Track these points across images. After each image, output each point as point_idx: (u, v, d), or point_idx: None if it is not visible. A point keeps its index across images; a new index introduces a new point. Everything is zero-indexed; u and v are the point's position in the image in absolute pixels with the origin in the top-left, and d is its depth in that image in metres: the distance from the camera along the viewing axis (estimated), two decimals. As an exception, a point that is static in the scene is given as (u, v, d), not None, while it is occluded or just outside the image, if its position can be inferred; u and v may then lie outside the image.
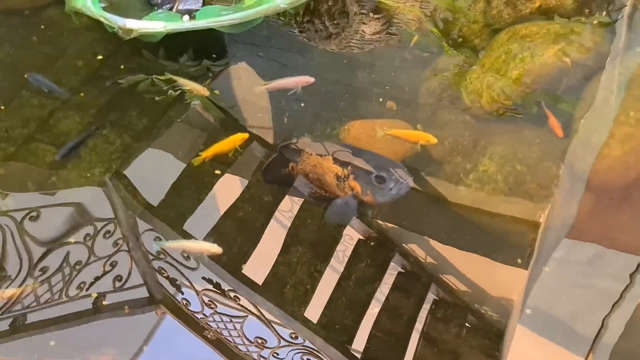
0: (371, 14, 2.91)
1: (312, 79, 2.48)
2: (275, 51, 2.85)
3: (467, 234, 2.15)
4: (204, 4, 2.78)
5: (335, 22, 2.90)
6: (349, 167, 2.17)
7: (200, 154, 2.28)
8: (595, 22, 2.48)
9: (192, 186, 2.34)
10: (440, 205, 2.20)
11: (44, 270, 2.05)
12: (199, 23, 2.63)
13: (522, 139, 2.20)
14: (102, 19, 2.63)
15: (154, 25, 2.60)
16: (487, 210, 2.14)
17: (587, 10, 2.57)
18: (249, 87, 2.71)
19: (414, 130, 2.29)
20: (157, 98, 2.55)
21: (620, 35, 2.45)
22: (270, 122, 2.57)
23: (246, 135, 2.35)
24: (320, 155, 2.24)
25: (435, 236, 2.17)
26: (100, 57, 2.75)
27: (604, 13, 2.56)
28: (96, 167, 2.32)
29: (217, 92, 2.62)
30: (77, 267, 2.06)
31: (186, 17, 2.67)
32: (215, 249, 1.99)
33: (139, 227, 2.20)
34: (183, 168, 2.37)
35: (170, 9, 2.76)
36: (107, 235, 2.16)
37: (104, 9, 2.62)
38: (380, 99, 2.51)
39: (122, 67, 2.68)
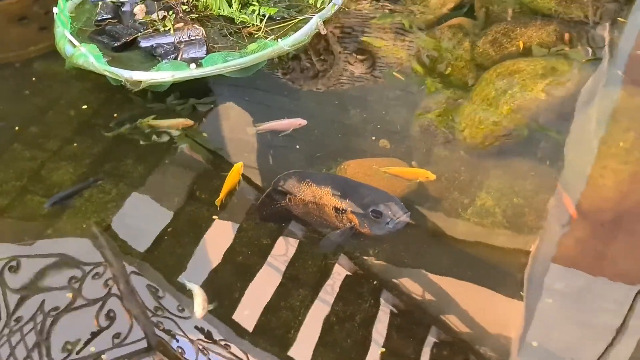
0: (355, 55, 3.00)
1: (304, 122, 2.52)
2: (260, 92, 2.89)
3: (467, 268, 2.15)
4: (207, 52, 2.83)
5: (322, 58, 2.97)
6: (347, 200, 2.18)
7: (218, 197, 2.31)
8: (575, 56, 2.59)
9: (187, 232, 2.31)
10: (440, 240, 2.20)
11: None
12: (207, 69, 2.69)
13: (517, 172, 2.24)
14: (107, 73, 2.66)
15: (162, 75, 2.65)
16: (487, 243, 2.15)
17: (568, 47, 2.68)
18: (236, 127, 2.74)
19: (413, 168, 2.31)
20: (142, 142, 2.57)
21: (601, 70, 2.55)
22: (262, 164, 2.58)
23: (241, 163, 2.38)
24: (319, 188, 2.24)
25: (436, 271, 2.17)
26: (92, 106, 2.75)
27: (581, 48, 2.67)
28: (92, 217, 2.29)
29: (205, 134, 2.64)
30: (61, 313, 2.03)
31: (193, 65, 2.71)
32: None
33: (133, 277, 2.16)
34: (177, 213, 2.35)
35: (175, 58, 2.80)
36: (96, 277, 2.12)
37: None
38: (373, 138, 2.53)
39: (115, 114, 2.69)
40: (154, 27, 2.95)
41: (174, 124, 2.65)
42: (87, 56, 2.65)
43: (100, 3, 3.13)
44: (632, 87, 2.44)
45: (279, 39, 2.82)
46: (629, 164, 2.10)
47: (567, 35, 2.75)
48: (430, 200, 2.29)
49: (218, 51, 2.81)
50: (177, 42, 2.85)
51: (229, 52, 2.77)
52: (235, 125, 2.77)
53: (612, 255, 2.02)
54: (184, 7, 3.04)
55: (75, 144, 2.58)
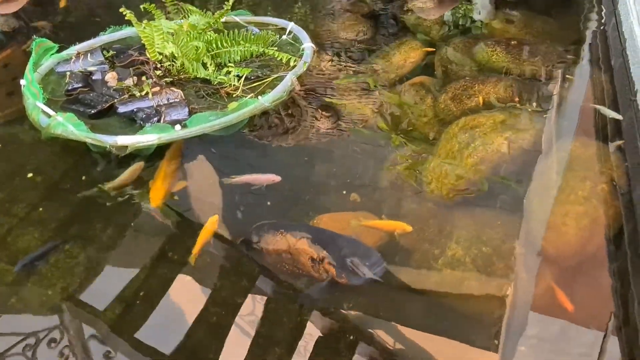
0: (321, 112, 3.08)
1: (278, 178, 2.55)
2: (230, 149, 2.92)
3: (442, 319, 2.16)
4: (189, 113, 2.86)
5: (291, 112, 3.04)
6: (324, 251, 2.18)
7: (192, 253, 2.27)
8: (530, 110, 2.74)
9: (159, 294, 2.25)
10: (414, 292, 2.21)
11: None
12: (193, 130, 2.74)
13: (484, 222, 2.31)
14: (89, 140, 2.66)
15: (148, 138, 2.66)
16: (459, 293, 2.17)
17: (522, 101, 2.83)
18: (205, 185, 2.73)
19: (388, 220, 2.35)
20: (110, 204, 2.53)
21: (553, 122, 2.70)
22: (233, 220, 2.57)
23: (216, 216, 2.38)
24: (295, 238, 2.25)
25: (411, 324, 2.16)
26: (59, 170, 2.72)
27: (535, 103, 2.83)
28: (58, 283, 2.22)
29: (176, 197, 2.63)
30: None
31: (178, 126, 2.73)
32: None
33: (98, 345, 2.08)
34: (147, 276, 2.29)
35: (158, 121, 2.82)
36: (52, 346, 2.03)
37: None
38: (344, 192, 2.56)
39: (83, 177, 2.66)
40: (129, 93, 2.99)
41: (130, 175, 2.62)
42: (65, 125, 2.65)
43: (68, 73, 3.16)
44: (585, 138, 2.59)
45: (259, 97, 2.91)
46: (588, 211, 2.20)
47: (520, 91, 2.92)
48: (402, 252, 2.31)
49: (199, 112, 2.86)
50: (157, 106, 2.89)
51: (211, 112, 2.83)
52: (204, 182, 2.77)
53: (579, 299, 2.08)
54: (158, 72, 3.10)
55: (41, 209, 2.53)
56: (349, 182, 2.62)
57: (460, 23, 4.03)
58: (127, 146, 2.65)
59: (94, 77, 3.13)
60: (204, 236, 2.31)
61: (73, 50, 3.38)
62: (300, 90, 3.15)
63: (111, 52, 3.36)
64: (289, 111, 3.05)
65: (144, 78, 3.08)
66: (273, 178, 2.56)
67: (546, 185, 2.36)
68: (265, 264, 2.28)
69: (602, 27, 3.65)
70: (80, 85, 3.06)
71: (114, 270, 2.37)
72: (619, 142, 2.49)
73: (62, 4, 4.81)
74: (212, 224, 2.35)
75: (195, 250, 2.27)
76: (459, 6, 4.24)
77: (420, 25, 3.95)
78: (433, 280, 2.22)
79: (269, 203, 2.54)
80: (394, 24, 4.07)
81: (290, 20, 3.70)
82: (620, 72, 2.96)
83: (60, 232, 2.44)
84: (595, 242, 2.15)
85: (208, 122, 2.75)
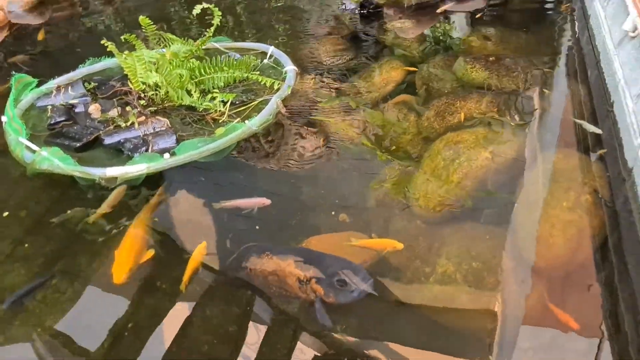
0: (306, 128, 3.10)
1: (268, 201, 2.57)
2: (216, 173, 2.91)
3: (436, 336, 2.16)
4: (177, 140, 2.87)
5: (270, 139, 3.05)
6: (311, 271, 2.19)
7: (182, 281, 2.26)
8: (512, 124, 2.78)
9: (149, 325, 2.22)
10: (407, 310, 2.21)
11: None
12: (181, 158, 2.74)
13: (473, 237, 2.32)
14: (77, 174, 2.65)
15: (137, 168, 2.66)
16: (452, 309, 2.18)
17: (504, 115, 2.88)
18: (192, 211, 2.72)
19: (380, 239, 2.35)
20: (97, 237, 2.51)
21: (536, 135, 2.75)
22: (222, 246, 2.55)
23: (204, 243, 2.38)
24: (281, 259, 2.25)
25: (406, 342, 2.16)
26: (44, 204, 2.69)
27: (516, 117, 2.88)
28: (47, 319, 2.18)
29: (156, 219, 2.62)
30: None
31: (167, 154, 2.73)
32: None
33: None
34: (136, 307, 2.27)
35: (146, 151, 2.81)
36: None
37: (71, 165, 2.64)
38: (333, 213, 2.57)
39: (68, 211, 2.62)
40: (115, 124, 2.99)
41: (114, 199, 2.61)
42: (51, 160, 2.64)
43: (49, 107, 3.15)
44: (566, 150, 2.63)
45: (246, 121, 2.93)
46: (574, 221, 2.22)
47: (501, 106, 2.97)
48: (393, 271, 2.31)
49: (187, 139, 2.87)
50: (144, 135, 2.89)
51: (199, 139, 2.84)
52: (191, 209, 2.76)
53: (570, 309, 2.09)
54: (142, 102, 3.11)
55: (26, 245, 2.50)
56: (337, 203, 2.63)
57: (440, 39, 4.11)
58: (116, 177, 2.64)
59: (76, 110, 3.13)
60: (193, 264, 2.31)
61: (53, 84, 3.38)
62: (285, 113, 3.17)
63: (92, 84, 3.36)
64: (269, 138, 3.06)
65: (128, 108, 3.09)
66: (263, 201, 2.57)
67: (532, 197, 2.39)
68: (254, 287, 2.28)
69: (576, 41, 3.74)
70: (62, 118, 3.04)
71: (102, 304, 2.33)
72: (601, 151, 2.54)
73: (40, 36, 4.82)
74: (200, 250, 2.35)
75: (185, 277, 2.26)
76: (437, 25, 4.33)
77: (400, 45, 4.02)
78: (425, 297, 2.22)
79: (257, 227, 2.54)
80: (375, 44, 4.14)
81: (272, 44, 3.75)
82: (596, 84, 3.03)
83: (46, 267, 2.41)
84: (583, 252, 2.17)
85: (197, 149, 2.75)
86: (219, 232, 2.56)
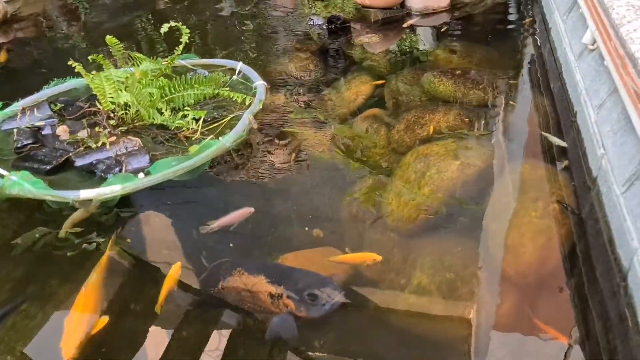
0: (277, 141, 3.10)
1: (252, 209, 2.57)
2: (188, 189, 2.87)
3: (413, 347, 2.18)
4: (150, 160, 2.82)
5: (240, 152, 3.04)
6: (282, 286, 2.20)
7: (158, 302, 2.22)
8: (480, 136, 2.85)
9: (123, 348, 2.17)
10: (384, 323, 2.22)
11: None
12: (157, 177, 2.69)
13: (446, 249, 2.35)
14: (49, 198, 2.58)
15: (112, 189, 2.60)
16: (428, 320, 2.20)
17: (472, 128, 2.95)
18: (164, 230, 2.69)
19: (358, 253, 2.35)
20: (68, 255, 2.46)
21: (503, 146, 2.82)
22: (197, 266, 2.52)
23: (179, 264, 2.35)
24: (252, 275, 2.25)
25: (384, 355, 2.17)
26: (10, 228, 2.62)
27: (484, 129, 2.95)
28: (16, 346, 2.11)
29: (128, 239, 2.58)
30: None
31: (141, 174, 2.69)
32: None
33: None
34: (110, 330, 2.19)
35: (120, 171, 2.76)
36: None
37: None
38: (306, 228, 2.57)
39: (37, 235, 2.55)
40: (85, 145, 2.93)
41: (78, 216, 2.58)
42: (21, 184, 2.56)
43: (15, 130, 3.06)
44: (533, 160, 2.71)
45: (220, 137, 2.92)
46: (543, 230, 2.28)
47: (469, 118, 3.04)
48: (369, 284, 2.32)
49: (160, 158, 2.83)
50: (117, 156, 2.84)
51: (174, 157, 2.81)
52: (163, 229, 2.72)
53: (542, 316, 2.14)
54: (112, 122, 3.06)
55: (-6, 270, 2.43)
56: (310, 218, 2.64)
57: (407, 53, 4.19)
58: (91, 200, 2.58)
59: (43, 132, 3.06)
60: (168, 284, 2.27)
61: (17, 106, 3.29)
62: (257, 127, 3.17)
63: (59, 105, 3.29)
64: (239, 152, 3.05)
65: (97, 129, 3.04)
66: (248, 211, 2.58)
67: (501, 207, 2.44)
68: (227, 304, 2.27)
69: (538, 54, 3.86)
70: (30, 141, 2.96)
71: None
72: (565, 163, 2.62)
73: (2, 58, 4.72)
74: (175, 271, 2.32)
75: (161, 298, 2.22)
76: (404, 38, 4.42)
77: (368, 59, 4.08)
78: (401, 309, 2.24)
79: (231, 245, 2.52)
80: (343, 59, 4.19)
81: (242, 61, 3.76)
82: (559, 95, 3.12)
83: (15, 292, 2.34)
84: (552, 260, 2.22)
85: (171, 168, 2.72)
86: (193, 252, 2.53)
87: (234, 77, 3.56)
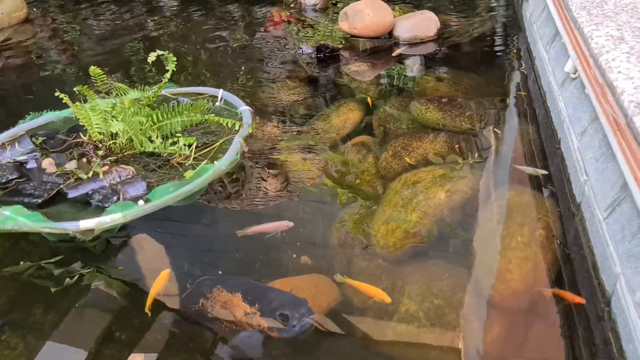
0: (267, 174, 3.12)
1: (291, 224, 2.63)
2: (176, 220, 2.87)
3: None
4: (147, 187, 2.83)
5: (235, 177, 3.05)
6: (256, 305, 2.22)
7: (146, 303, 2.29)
8: (467, 163, 2.88)
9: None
10: (372, 350, 2.21)
11: None
12: (157, 203, 2.69)
13: (434, 275, 2.36)
14: (47, 230, 2.55)
15: (113, 217, 2.59)
16: (416, 348, 2.19)
17: (458, 155, 2.98)
18: (152, 257, 2.67)
19: (372, 286, 2.32)
20: (51, 287, 2.43)
21: (489, 173, 2.85)
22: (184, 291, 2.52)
23: (168, 270, 2.42)
24: (230, 293, 2.29)
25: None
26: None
27: (470, 156, 2.98)
28: (-3, 378, 2.08)
29: (120, 267, 2.56)
30: None
31: (141, 201, 2.69)
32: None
33: None
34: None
35: (117, 200, 2.75)
36: None
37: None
38: (294, 255, 2.57)
39: (21, 262, 2.53)
40: (75, 176, 2.92)
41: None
42: (14, 218, 2.52)
43: None
44: (519, 186, 2.74)
45: (215, 161, 2.94)
46: (529, 256, 2.29)
47: (456, 145, 3.08)
48: (357, 311, 2.31)
49: (155, 185, 2.84)
50: (111, 185, 2.83)
51: (171, 183, 2.81)
52: (151, 254, 2.70)
53: (530, 342, 2.13)
54: (100, 152, 3.06)
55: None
56: (299, 245, 2.63)
57: (395, 81, 4.26)
58: (92, 229, 2.56)
59: (28, 166, 3.03)
60: (156, 288, 2.35)
61: (-4, 141, 3.25)
62: (246, 154, 3.19)
63: (40, 139, 3.26)
64: (234, 176, 3.07)
65: (84, 160, 3.03)
66: (287, 224, 2.63)
67: (488, 234, 2.46)
68: (208, 320, 2.28)
69: (523, 82, 3.94)
70: (15, 176, 2.93)
71: (57, 358, 2.23)
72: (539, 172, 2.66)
73: None
74: (163, 277, 2.40)
75: (149, 301, 2.30)
76: (392, 67, 4.49)
77: (357, 87, 4.14)
78: (390, 337, 2.23)
79: (220, 272, 2.51)
80: (332, 87, 4.25)
81: (232, 88, 3.80)
82: (544, 123, 3.18)
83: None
84: (539, 286, 2.23)
85: (171, 193, 2.72)
86: (182, 281, 2.50)
87: (217, 103, 3.60)
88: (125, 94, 3.33)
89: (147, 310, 2.28)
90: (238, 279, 2.42)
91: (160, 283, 2.39)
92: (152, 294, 2.35)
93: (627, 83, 2.05)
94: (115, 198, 2.76)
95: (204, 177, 2.82)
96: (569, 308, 2.13)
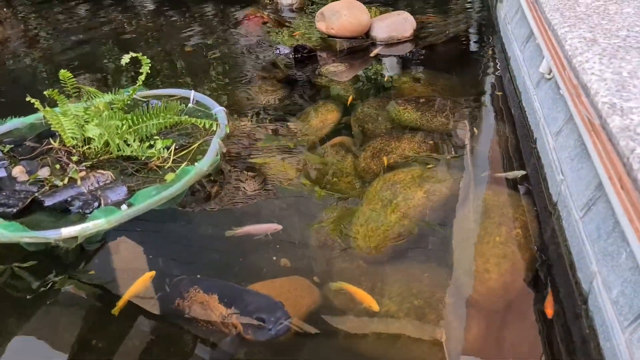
0: (246, 172, 3.09)
1: (280, 227, 2.62)
2: (153, 222, 2.83)
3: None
4: (128, 191, 2.78)
5: (212, 178, 3.02)
6: (232, 307, 2.22)
7: (116, 304, 2.28)
8: (445, 162, 2.90)
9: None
10: (353, 352, 2.20)
11: None
12: (141, 206, 2.64)
13: (413, 276, 2.37)
14: (27, 240, 2.47)
15: (96, 223, 2.53)
16: (396, 349, 2.19)
17: (436, 154, 3.00)
18: (128, 261, 2.63)
19: (364, 292, 2.30)
20: (20, 296, 2.38)
21: (467, 173, 2.87)
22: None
23: (153, 272, 2.41)
24: (207, 294, 2.28)
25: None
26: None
27: (448, 155, 3.00)
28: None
29: (92, 272, 2.52)
30: None
31: (124, 206, 2.63)
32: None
33: None
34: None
35: (98, 206, 2.69)
36: None
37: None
38: (274, 257, 2.55)
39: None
40: (50, 184, 2.84)
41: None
42: None
43: None
44: (496, 186, 2.77)
45: (195, 163, 2.91)
46: (507, 256, 2.32)
47: (434, 145, 3.10)
48: (338, 313, 2.31)
49: (136, 190, 2.79)
50: (91, 191, 2.77)
51: (154, 187, 2.77)
52: (127, 258, 2.66)
53: (509, 340, 2.16)
54: (74, 158, 2.99)
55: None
56: (278, 248, 2.62)
57: (372, 81, 4.26)
58: (76, 237, 2.50)
59: (-2, 175, 2.94)
60: (135, 289, 2.35)
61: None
62: (225, 155, 3.16)
63: (7, 147, 3.15)
64: (211, 177, 3.04)
65: (57, 166, 2.95)
66: (275, 227, 2.62)
67: (466, 233, 2.47)
68: (183, 320, 2.26)
69: (499, 82, 3.98)
70: None
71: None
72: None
73: None
74: (146, 279, 2.39)
75: (122, 302, 2.29)
76: (369, 67, 4.50)
77: (335, 88, 4.13)
78: (370, 339, 2.23)
79: (198, 276, 2.48)
80: (310, 87, 4.23)
81: (209, 89, 3.75)
82: (520, 122, 3.22)
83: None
84: (517, 285, 2.25)
85: (154, 197, 2.68)
86: (161, 283, 2.47)
87: (190, 105, 3.56)
88: (94, 97, 3.26)
89: (114, 311, 2.25)
90: (215, 281, 2.40)
91: (139, 285, 2.36)
92: (126, 296, 2.32)
93: (600, 84, 2.09)
94: (96, 204, 2.70)
95: (186, 179, 2.79)
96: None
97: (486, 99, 3.81)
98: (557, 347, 1.99)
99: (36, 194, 2.76)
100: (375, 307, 2.27)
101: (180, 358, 2.16)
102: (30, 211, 2.72)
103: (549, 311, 2.10)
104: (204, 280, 2.39)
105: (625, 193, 1.69)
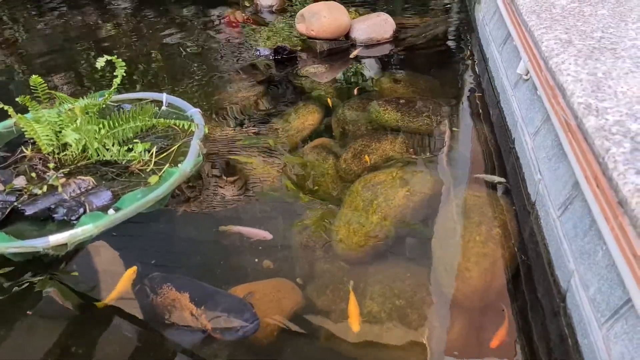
0: (225, 176, 3.08)
1: (270, 236, 2.63)
2: (134, 224, 2.79)
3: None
4: (112, 196, 2.75)
5: (190, 184, 3.00)
6: (203, 307, 2.24)
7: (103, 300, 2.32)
8: (425, 163, 2.92)
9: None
10: (336, 354, 2.21)
11: None
12: (128, 210, 2.62)
13: (395, 276, 2.38)
14: (14, 250, 2.42)
15: (85, 229, 2.51)
16: (379, 350, 2.20)
17: (417, 155, 3.02)
18: (109, 263, 2.59)
19: (356, 309, 2.28)
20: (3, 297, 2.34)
21: (447, 173, 2.90)
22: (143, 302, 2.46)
23: (135, 268, 2.44)
24: (179, 292, 2.31)
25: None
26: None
27: (429, 156, 3.03)
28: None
29: (75, 273, 2.49)
30: None
31: (111, 211, 2.60)
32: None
33: None
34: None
35: (84, 212, 2.65)
36: None
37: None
38: (256, 260, 2.55)
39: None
40: (28, 192, 2.78)
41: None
42: None
43: None
44: (476, 186, 2.80)
45: (178, 165, 2.90)
46: (487, 254, 2.35)
47: (414, 146, 3.12)
48: (320, 314, 2.31)
49: (118, 194, 2.76)
50: (73, 197, 2.72)
51: (139, 190, 2.74)
52: (108, 260, 2.62)
53: (488, 339, 2.18)
54: (51, 165, 2.94)
55: None
56: (260, 249, 2.61)
57: (353, 81, 4.28)
58: (65, 244, 2.47)
59: (-30, 187, 2.85)
60: (122, 286, 2.36)
61: None
62: (204, 157, 3.14)
63: None
64: (189, 183, 3.02)
65: (33, 175, 2.90)
66: (264, 235, 2.62)
67: (447, 233, 2.50)
68: (155, 315, 2.28)
69: (477, 83, 4.03)
70: None
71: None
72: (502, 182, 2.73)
73: None
74: (130, 275, 2.42)
75: (109, 299, 2.32)
76: (349, 67, 4.52)
77: (316, 89, 4.14)
78: (352, 339, 2.23)
79: (178, 277, 2.47)
80: (291, 89, 4.23)
81: (187, 91, 3.72)
82: (498, 123, 3.26)
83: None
84: (497, 283, 2.28)
85: (140, 200, 2.66)
86: (139, 284, 2.45)
87: (163, 107, 3.53)
88: (64, 103, 3.20)
89: (100, 304, 2.29)
90: (188, 279, 2.41)
91: (125, 282, 2.38)
92: (114, 293, 2.34)
93: (576, 85, 2.12)
94: (81, 210, 2.66)
95: (170, 181, 2.79)
96: (525, 305, 2.19)
97: (465, 99, 3.85)
98: (536, 345, 2.02)
99: (15, 204, 2.71)
100: (355, 328, 2.25)
101: (148, 353, 2.17)
102: (10, 221, 2.67)
103: (494, 342, 2.09)
104: (177, 278, 2.41)
105: (601, 192, 1.72)
